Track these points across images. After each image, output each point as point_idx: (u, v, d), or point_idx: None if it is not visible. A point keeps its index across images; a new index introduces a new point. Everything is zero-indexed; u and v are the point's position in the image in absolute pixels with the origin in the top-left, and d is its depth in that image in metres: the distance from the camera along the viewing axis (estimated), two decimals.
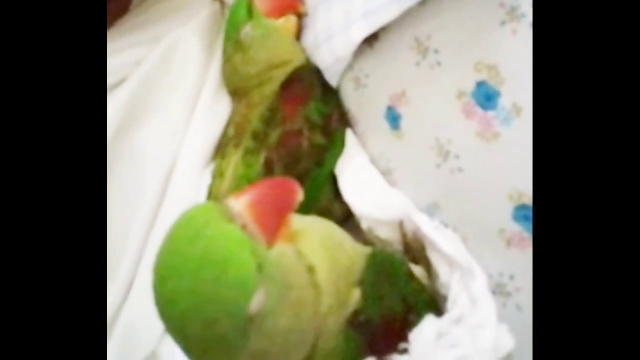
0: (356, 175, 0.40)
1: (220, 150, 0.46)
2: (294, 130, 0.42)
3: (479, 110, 0.33)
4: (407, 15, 0.35)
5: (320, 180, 0.42)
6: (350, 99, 0.42)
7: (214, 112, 0.47)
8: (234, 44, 0.45)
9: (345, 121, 0.44)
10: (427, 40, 0.35)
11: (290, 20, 0.45)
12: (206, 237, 0.26)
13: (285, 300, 0.27)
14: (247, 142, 0.42)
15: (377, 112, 0.39)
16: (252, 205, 0.27)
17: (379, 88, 0.39)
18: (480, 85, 0.33)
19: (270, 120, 0.42)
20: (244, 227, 0.27)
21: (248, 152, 0.42)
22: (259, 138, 0.42)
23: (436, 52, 0.35)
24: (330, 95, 0.44)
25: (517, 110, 0.32)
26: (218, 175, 0.44)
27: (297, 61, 0.44)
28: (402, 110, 0.37)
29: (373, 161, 0.41)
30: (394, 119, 0.38)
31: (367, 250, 0.34)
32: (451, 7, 0.34)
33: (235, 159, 0.43)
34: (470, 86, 0.33)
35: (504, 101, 0.32)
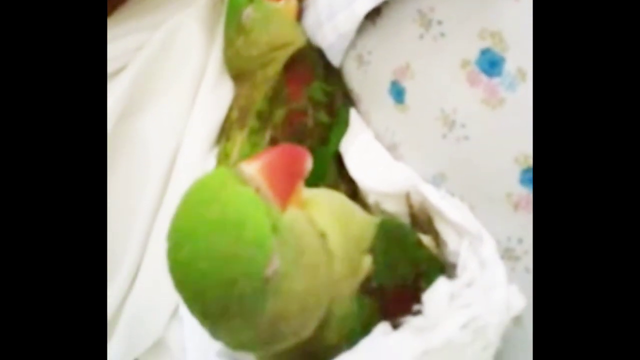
0: (361, 152, 0.41)
1: (224, 134, 0.46)
2: (299, 109, 0.42)
3: (483, 78, 0.34)
4: None
5: (326, 158, 0.43)
6: (353, 77, 0.43)
7: (216, 96, 0.47)
8: (235, 27, 0.46)
9: (348, 100, 0.44)
10: (430, 12, 0.36)
11: (291, 2, 0.46)
12: (221, 199, 0.26)
13: (299, 263, 0.28)
14: (252, 122, 0.43)
15: (381, 87, 0.40)
16: (264, 169, 0.28)
17: (382, 64, 0.40)
18: (485, 52, 0.33)
19: (274, 99, 0.43)
20: (257, 190, 0.27)
21: (253, 132, 0.43)
22: (263, 117, 0.43)
23: (439, 23, 0.35)
24: (332, 74, 0.44)
25: (522, 74, 0.32)
26: (223, 156, 0.44)
27: (299, 42, 0.44)
28: (406, 83, 0.38)
29: (378, 137, 0.41)
30: (398, 93, 0.39)
31: (376, 219, 0.34)
32: None
33: (240, 139, 0.43)
34: (474, 54, 0.34)
35: (509, 66, 0.33)
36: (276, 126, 0.42)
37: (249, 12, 0.45)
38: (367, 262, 0.32)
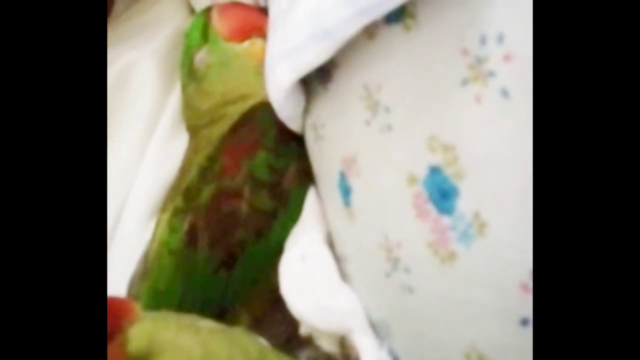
0: (302, 257, 0.30)
1: (163, 201, 0.37)
2: (231, 189, 0.32)
3: (432, 211, 0.22)
4: (352, 56, 0.24)
5: (261, 257, 0.32)
6: (312, 150, 0.32)
7: (169, 150, 0.39)
8: (187, 72, 0.37)
9: (309, 178, 0.33)
10: (377, 92, 0.24)
11: (256, 45, 0.35)
12: None
13: None
14: (177, 200, 0.33)
15: (332, 176, 0.29)
16: None
17: (332, 144, 0.29)
18: (434, 171, 0.21)
19: (206, 172, 0.33)
20: None
21: (176, 212, 0.33)
22: (190, 195, 0.33)
23: (387, 110, 0.24)
24: (290, 143, 0.34)
25: (480, 225, 0.20)
26: (153, 234, 0.36)
27: (259, 96, 0.34)
28: (352, 181, 0.27)
29: (330, 238, 0.30)
30: (345, 191, 0.28)
31: None
32: (402, 49, 0.23)
33: (165, 217, 0.34)
34: (422, 170, 0.22)
35: (463, 205, 0.20)
36: (199, 209, 0.32)
37: (202, 56, 0.36)
38: None
